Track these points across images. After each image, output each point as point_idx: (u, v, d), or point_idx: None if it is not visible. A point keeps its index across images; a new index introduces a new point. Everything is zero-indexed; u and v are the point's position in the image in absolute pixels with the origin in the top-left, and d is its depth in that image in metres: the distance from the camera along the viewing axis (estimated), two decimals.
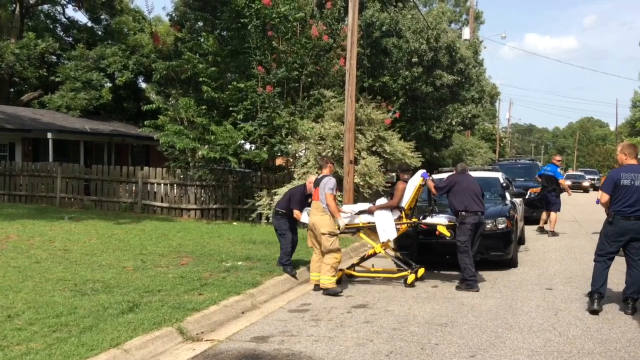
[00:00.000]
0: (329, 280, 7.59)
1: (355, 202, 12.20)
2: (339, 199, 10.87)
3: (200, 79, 14.98)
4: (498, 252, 9.12)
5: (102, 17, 31.70)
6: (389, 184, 13.96)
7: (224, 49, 15.79)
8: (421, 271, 8.35)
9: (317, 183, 7.89)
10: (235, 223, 14.68)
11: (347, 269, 8.61)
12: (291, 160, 15.41)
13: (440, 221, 8.39)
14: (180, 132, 14.76)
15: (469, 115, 21.94)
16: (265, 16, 14.60)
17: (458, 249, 7.98)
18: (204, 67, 15.05)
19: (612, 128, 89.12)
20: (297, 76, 15.11)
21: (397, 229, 8.28)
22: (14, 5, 29.94)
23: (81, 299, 6.35)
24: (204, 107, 15.10)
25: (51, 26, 32.48)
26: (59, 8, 32.62)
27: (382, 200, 8.76)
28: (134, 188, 16.76)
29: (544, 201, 14.28)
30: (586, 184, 39.31)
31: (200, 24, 17.39)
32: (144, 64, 26.41)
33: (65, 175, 17.49)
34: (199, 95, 15.41)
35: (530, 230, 14.09)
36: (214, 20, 16.53)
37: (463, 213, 8.03)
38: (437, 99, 20.71)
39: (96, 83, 27.30)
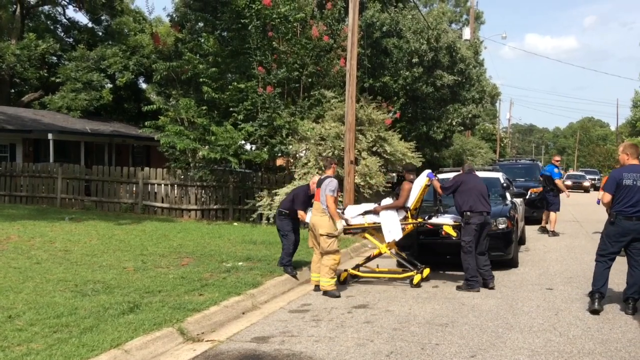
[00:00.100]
0: (328, 283, 7.57)
1: (355, 202, 12.20)
2: (340, 199, 10.87)
3: (201, 80, 14.99)
4: (498, 252, 9.12)
5: (103, 17, 31.67)
6: (390, 185, 13.97)
7: (225, 50, 15.79)
8: (427, 271, 8.36)
9: (319, 183, 7.89)
10: (235, 223, 14.68)
11: (352, 269, 8.59)
12: (292, 160, 15.42)
13: (445, 221, 8.39)
14: (181, 133, 14.76)
15: (470, 115, 21.91)
16: (266, 17, 14.61)
17: (462, 249, 7.97)
18: (205, 67, 15.05)
19: (613, 128, 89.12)
20: (298, 76, 15.12)
21: (403, 229, 8.27)
22: (15, 6, 29.96)
23: (82, 300, 6.35)
24: (204, 107, 15.10)
25: (52, 27, 32.50)
26: (59, 9, 32.68)
27: (387, 201, 8.73)
28: (134, 189, 16.77)
29: (544, 201, 14.33)
30: (587, 184, 39.25)
31: (201, 24, 17.39)
32: (145, 65, 26.41)
33: (66, 176, 17.50)
34: (199, 95, 15.41)
35: (531, 230, 14.09)
36: (215, 21, 16.53)
37: (468, 213, 8.02)
38: (437, 99, 20.69)
39: (97, 84, 27.27)
